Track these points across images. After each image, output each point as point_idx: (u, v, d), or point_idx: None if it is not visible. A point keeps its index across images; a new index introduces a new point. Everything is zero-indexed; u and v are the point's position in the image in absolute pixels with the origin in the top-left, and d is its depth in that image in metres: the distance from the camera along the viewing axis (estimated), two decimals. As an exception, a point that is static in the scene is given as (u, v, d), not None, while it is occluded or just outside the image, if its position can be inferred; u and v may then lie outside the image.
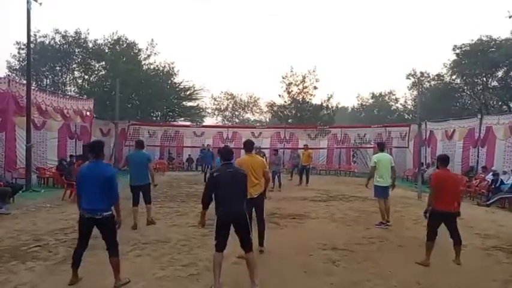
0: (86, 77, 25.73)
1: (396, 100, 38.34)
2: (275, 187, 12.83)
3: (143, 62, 26.87)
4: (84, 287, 4.19)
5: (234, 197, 4.10)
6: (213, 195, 4.14)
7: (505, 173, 12.00)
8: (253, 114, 44.06)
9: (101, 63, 25.52)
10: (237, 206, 4.10)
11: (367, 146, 21.06)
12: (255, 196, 5.16)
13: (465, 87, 24.81)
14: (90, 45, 24.76)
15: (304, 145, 17.60)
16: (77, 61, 25.02)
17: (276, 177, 13.02)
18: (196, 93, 29.30)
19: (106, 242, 4.13)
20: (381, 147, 8.23)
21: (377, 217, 7.95)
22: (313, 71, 28.09)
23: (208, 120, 36.88)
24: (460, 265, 5.12)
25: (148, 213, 7.30)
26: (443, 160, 5.38)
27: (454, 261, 5.18)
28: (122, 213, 4.35)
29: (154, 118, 27.46)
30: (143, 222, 7.20)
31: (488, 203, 10.65)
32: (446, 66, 24.91)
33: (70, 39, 23.94)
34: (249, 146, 5.46)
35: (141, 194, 7.13)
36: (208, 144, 20.50)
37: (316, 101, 28.82)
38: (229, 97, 42.85)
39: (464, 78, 23.67)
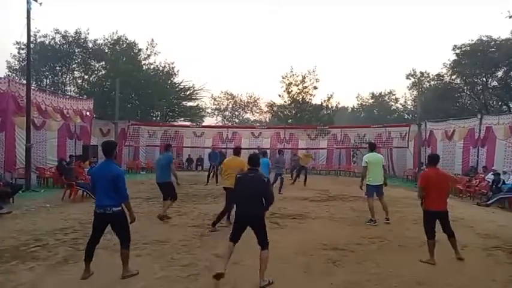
0: (86, 77, 25.71)
1: (396, 100, 38.33)
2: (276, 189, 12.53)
3: (143, 62, 26.85)
4: (90, 281, 4.20)
5: (249, 199, 4.34)
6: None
7: (505, 173, 11.97)
8: (253, 114, 44.08)
9: (101, 63, 25.52)
10: (252, 208, 4.34)
11: (367, 146, 21.06)
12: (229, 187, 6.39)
13: (465, 87, 24.78)
14: (90, 45, 24.77)
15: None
16: (77, 61, 25.00)
17: (279, 179, 12.52)
18: (196, 93, 29.32)
19: (118, 236, 4.38)
20: (371, 147, 8.33)
21: (377, 216, 7.95)
22: (313, 71, 28.11)
23: (208, 120, 36.87)
24: (462, 260, 5.18)
25: (163, 208, 7.67)
26: (432, 159, 5.53)
27: (456, 257, 5.24)
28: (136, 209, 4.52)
29: (154, 118, 27.43)
30: (144, 222, 7.20)
31: (488, 203, 10.63)
32: (446, 66, 24.90)
33: (70, 39, 23.93)
34: (237, 150, 7.40)
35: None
36: (212, 145, 20.50)
37: (316, 101, 28.85)
38: (229, 97, 42.87)
39: (464, 78, 23.64)
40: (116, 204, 4.27)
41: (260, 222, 4.38)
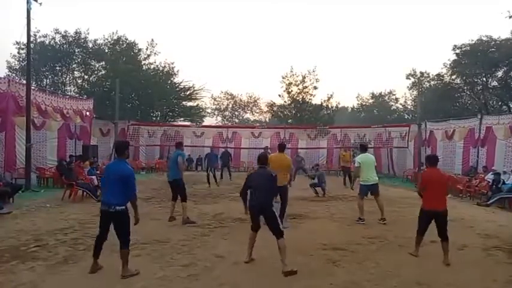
0: (86, 77, 25.73)
1: (396, 100, 38.25)
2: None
3: (143, 62, 26.86)
4: (90, 281, 4.20)
5: (261, 191, 4.91)
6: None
7: (505, 173, 11.97)
8: (253, 114, 44.11)
9: (101, 63, 25.53)
10: (263, 198, 4.89)
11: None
12: (281, 185, 6.31)
13: (465, 87, 24.78)
14: (90, 45, 24.78)
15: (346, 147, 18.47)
16: (76, 61, 25.02)
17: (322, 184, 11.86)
18: (196, 93, 29.28)
19: (118, 235, 4.40)
20: (362, 149, 8.56)
21: (375, 216, 7.96)
22: (313, 71, 28.08)
23: (208, 120, 36.90)
24: (449, 265, 5.04)
25: (183, 212, 7.44)
26: (430, 160, 5.66)
27: (443, 261, 5.12)
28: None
29: (154, 118, 27.41)
30: (144, 222, 7.17)
31: (488, 203, 10.62)
32: (446, 66, 24.88)
33: (70, 39, 23.94)
34: (281, 147, 7.54)
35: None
36: (212, 145, 20.44)
37: (316, 101, 28.82)
38: (229, 97, 42.89)
39: (464, 78, 23.65)
40: (120, 203, 4.32)
41: (269, 211, 4.83)
